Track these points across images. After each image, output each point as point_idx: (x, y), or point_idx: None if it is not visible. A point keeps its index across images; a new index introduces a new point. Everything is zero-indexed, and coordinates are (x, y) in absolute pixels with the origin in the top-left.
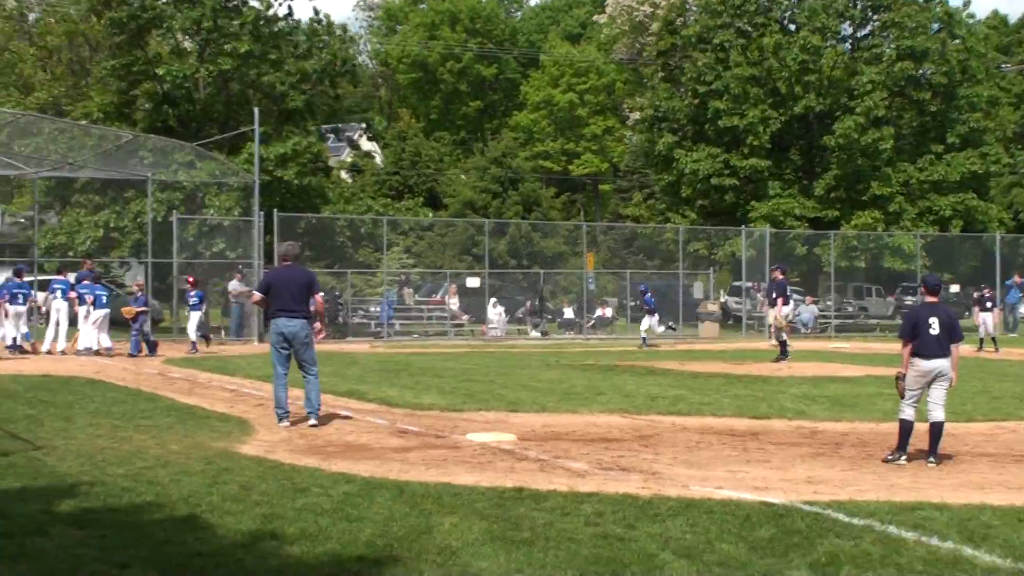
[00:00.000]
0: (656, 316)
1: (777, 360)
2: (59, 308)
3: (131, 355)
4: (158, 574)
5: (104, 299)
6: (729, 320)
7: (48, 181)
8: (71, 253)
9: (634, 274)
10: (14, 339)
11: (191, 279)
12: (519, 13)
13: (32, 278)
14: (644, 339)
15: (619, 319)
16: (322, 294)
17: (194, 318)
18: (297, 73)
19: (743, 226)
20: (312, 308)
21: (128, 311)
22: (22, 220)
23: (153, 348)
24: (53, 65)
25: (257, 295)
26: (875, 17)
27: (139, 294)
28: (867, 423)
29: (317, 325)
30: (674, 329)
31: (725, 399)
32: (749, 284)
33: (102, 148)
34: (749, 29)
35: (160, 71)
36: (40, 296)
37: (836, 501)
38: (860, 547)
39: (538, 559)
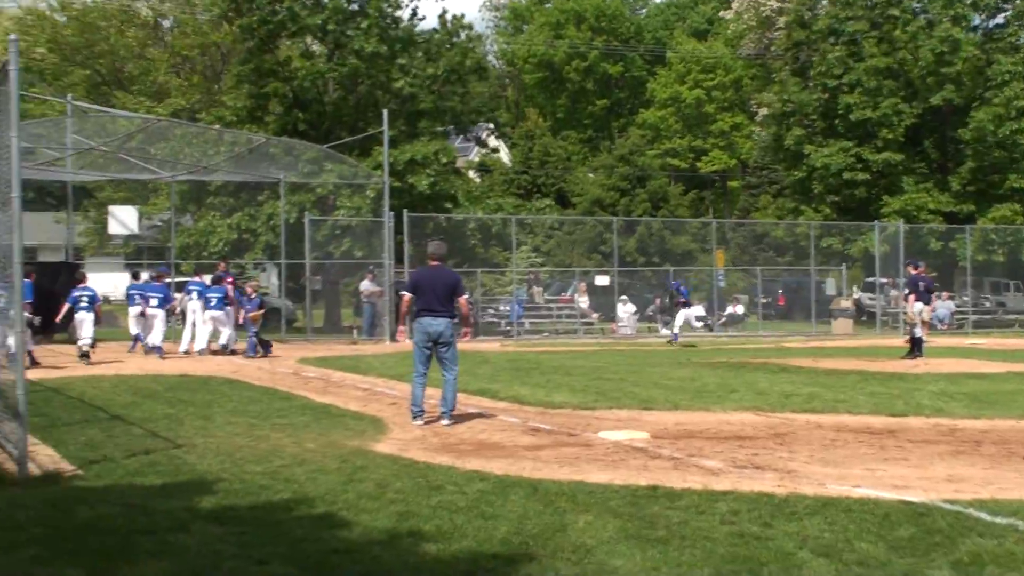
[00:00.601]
0: (692, 309)
1: (912, 356)
2: (195, 309)
3: (248, 356)
4: (296, 571)
5: (214, 300)
6: (863, 316)
7: (183, 184)
8: (205, 254)
9: (765, 271)
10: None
11: (224, 273)
12: (644, 10)
13: (170, 280)
14: (676, 335)
15: (750, 316)
16: (467, 296)
17: (223, 318)
18: (428, 77)
19: (876, 221)
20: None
21: (255, 316)
22: (159, 223)
23: (267, 347)
24: (187, 73)
25: (407, 296)
26: (1007, 5)
27: (253, 296)
28: (1008, 420)
29: (456, 322)
30: (708, 325)
31: (860, 396)
32: (883, 280)
33: (234, 151)
34: (881, 20)
35: (297, 63)
36: (176, 297)
37: (978, 500)
38: (1003, 546)
39: (673, 557)
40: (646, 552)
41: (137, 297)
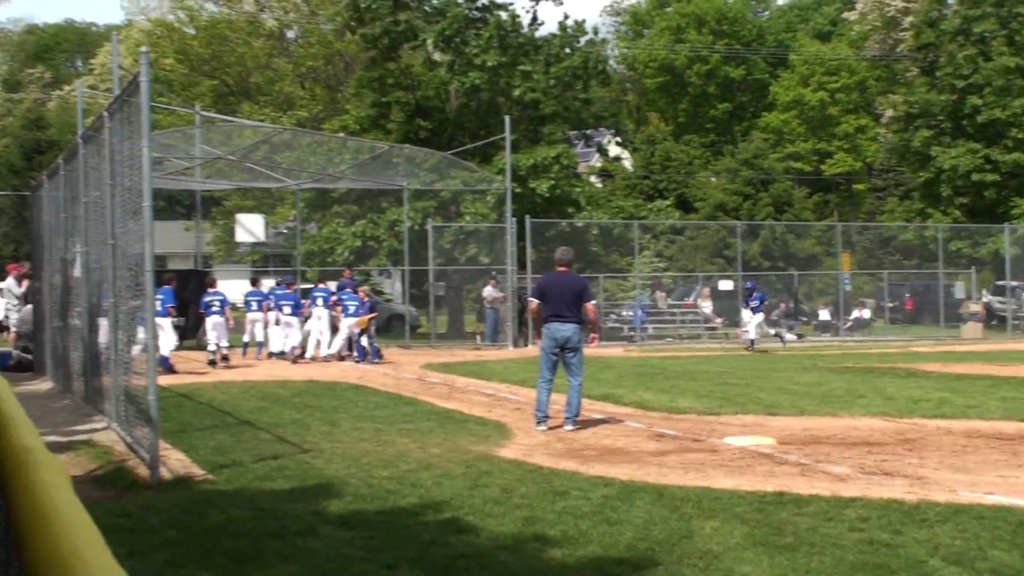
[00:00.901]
0: (760, 316)
1: None
2: (320, 316)
3: (373, 362)
4: (424, 575)
5: (352, 308)
6: (993, 320)
7: (308, 192)
8: (329, 261)
9: (892, 274)
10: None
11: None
12: (766, 13)
13: (298, 287)
14: (754, 340)
15: (877, 320)
16: (594, 302)
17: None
18: (553, 79)
19: (1006, 223)
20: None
21: (362, 321)
22: (285, 230)
23: (377, 354)
24: (311, 84)
25: (534, 302)
26: None
27: (365, 300)
28: None
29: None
30: (781, 339)
31: (992, 401)
32: (1014, 283)
33: (358, 159)
34: (1009, 19)
35: (417, 70)
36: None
37: None
38: None
39: (802, 564)
40: (774, 559)
41: (254, 304)
